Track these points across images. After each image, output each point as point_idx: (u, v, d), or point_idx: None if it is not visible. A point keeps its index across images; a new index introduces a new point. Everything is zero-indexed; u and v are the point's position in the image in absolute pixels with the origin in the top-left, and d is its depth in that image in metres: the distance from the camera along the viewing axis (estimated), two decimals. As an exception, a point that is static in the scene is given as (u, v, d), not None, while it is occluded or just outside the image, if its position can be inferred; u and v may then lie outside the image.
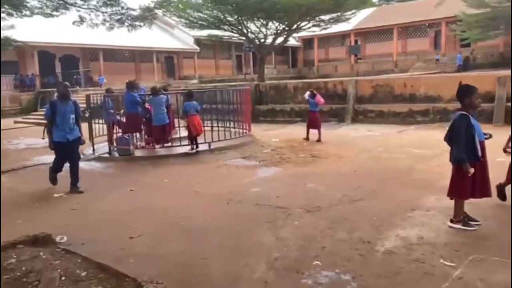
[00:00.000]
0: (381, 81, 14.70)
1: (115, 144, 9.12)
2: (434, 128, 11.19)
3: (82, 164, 7.56)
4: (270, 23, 21.40)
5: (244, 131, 10.59)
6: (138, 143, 9.21)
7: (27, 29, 25.20)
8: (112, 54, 31.79)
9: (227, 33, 22.80)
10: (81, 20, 14.00)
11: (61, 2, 12.81)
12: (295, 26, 21.79)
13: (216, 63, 39.68)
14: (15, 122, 20.41)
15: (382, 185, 6.00)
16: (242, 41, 28.11)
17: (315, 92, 10.87)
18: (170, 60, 36.36)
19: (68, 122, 6.30)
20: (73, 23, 14.36)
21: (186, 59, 36.57)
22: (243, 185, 6.51)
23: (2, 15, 15.99)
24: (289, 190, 6.10)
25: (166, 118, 9.08)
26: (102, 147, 9.59)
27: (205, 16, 20.91)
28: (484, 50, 33.40)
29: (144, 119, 9.51)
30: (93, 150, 9.47)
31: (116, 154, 9.00)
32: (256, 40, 21.77)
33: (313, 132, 10.55)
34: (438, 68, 31.17)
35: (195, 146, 8.74)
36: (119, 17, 13.90)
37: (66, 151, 6.45)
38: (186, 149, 8.90)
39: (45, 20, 29.42)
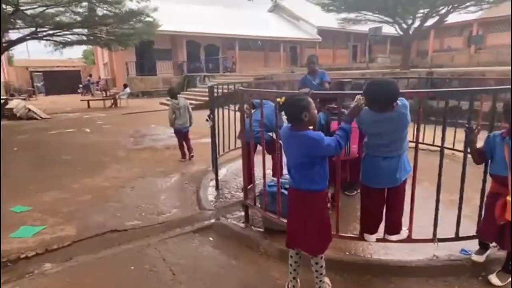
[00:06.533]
0: None
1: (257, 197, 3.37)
2: None
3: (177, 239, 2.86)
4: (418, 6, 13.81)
5: None
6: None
7: (179, 22, 22.25)
8: (246, 44, 26.81)
9: (368, 16, 15.68)
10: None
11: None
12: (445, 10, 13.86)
13: (334, 53, 32.40)
14: (161, 103, 16.37)
15: None
16: (365, 31, 21.39)
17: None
18: (294, 50, 30.49)
19: None
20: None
21: (307, 49, 30.26)
22: None
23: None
24: None
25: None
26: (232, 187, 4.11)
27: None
28: None
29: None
30: (217, 190, 3.95)
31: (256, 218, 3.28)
32: (403, 24, 14.36)
33: None
34: None
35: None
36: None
37: None
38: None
39: (194, 14, 26.14)
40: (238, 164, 5.72)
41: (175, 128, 6.27)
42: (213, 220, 3.48)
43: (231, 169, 5.30)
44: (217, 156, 4.29)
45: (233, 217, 3.54)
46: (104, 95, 18.82)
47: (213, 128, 4.11)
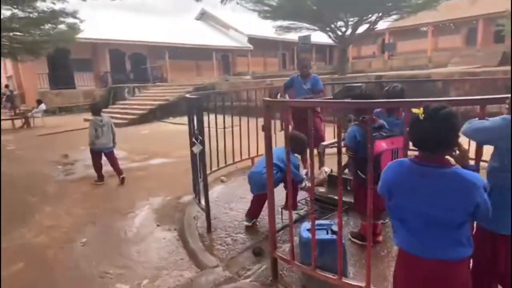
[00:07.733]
0: None
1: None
2: None
3: None
4: (349, 14, 14.54)
5: None
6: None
7: (100, 29, 19.96)
8: (176, 52, 25.34)
9: (303, 24, 15.96)
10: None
11: None
12: (374, 17, 14.81)
13: (265, 61, 32.87)
14: (85, 120, 14.12)
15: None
16: (293, 40, 22.00)
17: None
18: (225, 58, 30.07)
19: None
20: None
21: (239, 57, 30.29)
22: None
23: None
24: None
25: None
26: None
27: (284, 3, 14.12)
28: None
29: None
30: (209, 233, 3.34)
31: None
32: (338, 31, 14.93)
33: None
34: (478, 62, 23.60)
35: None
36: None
37: None
38: None
39: (116, 21, 23.69)
40: (218, 191, 4.70)
41: (96, 148, 5.63)
42: (227, 285, 2.48)
43: (212, 198, 4.29)
44: (207, 186, 3.25)
45: (251, 275, 2.60)
46: (13, 113, 15.63)
47: (202, 152, 3.08)
